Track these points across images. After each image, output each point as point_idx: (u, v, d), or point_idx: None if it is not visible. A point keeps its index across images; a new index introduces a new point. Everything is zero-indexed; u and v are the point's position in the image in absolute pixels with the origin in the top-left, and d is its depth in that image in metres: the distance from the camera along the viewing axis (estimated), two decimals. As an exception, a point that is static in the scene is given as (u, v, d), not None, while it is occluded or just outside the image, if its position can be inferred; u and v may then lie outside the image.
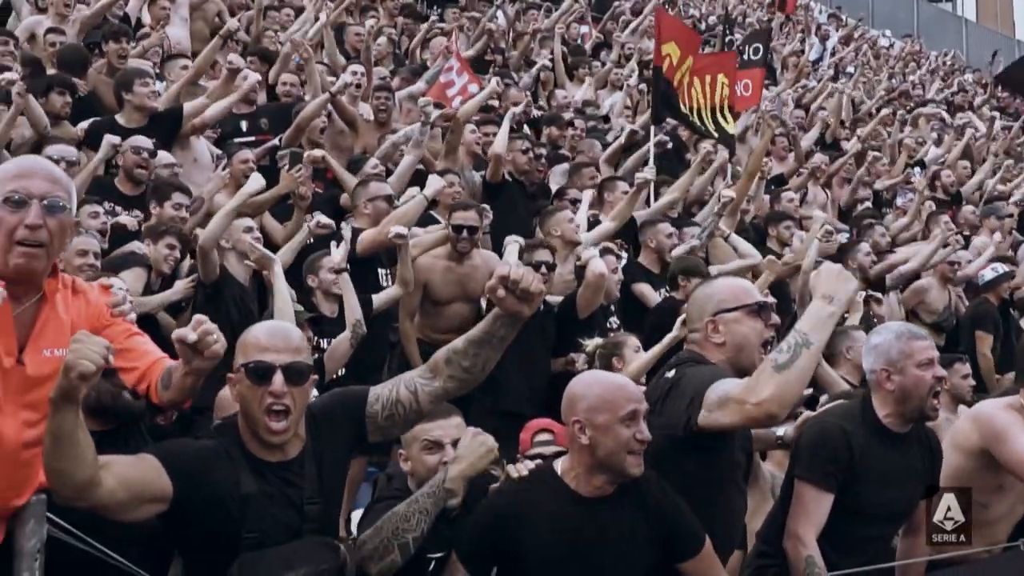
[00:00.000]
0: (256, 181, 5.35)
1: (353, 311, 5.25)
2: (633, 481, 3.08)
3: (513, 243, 6.13)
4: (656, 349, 5.16)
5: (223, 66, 7.46)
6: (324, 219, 5.72)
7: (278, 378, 2.69)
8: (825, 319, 2.93)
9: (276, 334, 2.80)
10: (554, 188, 8.11)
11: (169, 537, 2.79)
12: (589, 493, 3.09)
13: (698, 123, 8.74)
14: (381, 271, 6.25)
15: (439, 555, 3.30)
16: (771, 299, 4.42)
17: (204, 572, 2.73)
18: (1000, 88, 18.86)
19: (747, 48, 10.16)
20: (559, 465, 3.17)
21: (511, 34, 12.69)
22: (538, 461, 3.43)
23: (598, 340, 5.54)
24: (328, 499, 2.84)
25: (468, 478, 3.21)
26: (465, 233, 6.10)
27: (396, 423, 2.90)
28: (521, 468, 3.25)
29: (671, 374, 3.21)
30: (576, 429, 3.06)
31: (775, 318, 3.34)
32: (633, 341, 5.43)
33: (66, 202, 2.66)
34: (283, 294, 5.06)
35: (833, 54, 17.56)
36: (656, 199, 7.90)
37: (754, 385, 2.87)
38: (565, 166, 8.45)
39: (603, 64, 12.05)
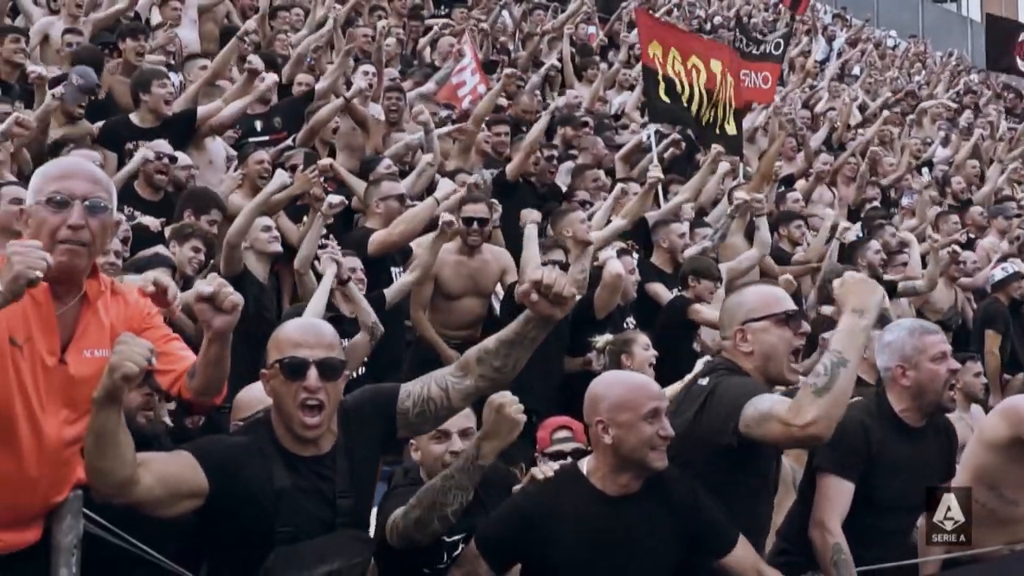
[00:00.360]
0: (280, 178, 5.40)
1: (368, 315, 5.26)
2: (658, 478, 3.12)
3: (531, 224, 6.14)
4: (676, 387, 5.18)
5: (237, 67, 7.51)
6: (334, 198, 5.75)
7: (312, 373, 2.74)
8: (858, 334, 2.94)
9: (309, 330, 2.86)
10: (562, 187, 8.15)
11: (204, 532, 2.82)
12: (615, 492, 3.13)
13: (696, 121, 8.70)
14: (394, 269, 6.28)
15: (454, 539, 3.36)
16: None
17: (239, 566, 2.77)
18: (999, 79, 18.67)
19: (770, 42, 10.16)
20: (584, 465, 3.21)
21: (518, 35, 12.72)
22: (562, 462, 3.47)
23: (608, 336, 5.59)
24: (359, 493, 2.89)
25: (500, 451, 3.23)
26: (475, 225, 6.15)
27: (427, 419, 2.97)
28: (546, 469, 3.29)
29: (704, 381, 3.24)
30: (599, 429, 3.11)
31: (805, 326, 3.35)
32: (643, 339, 5.48)
33: (107, 202, 2.71)
34: (322, 298, 5.10)
35: (840, 55, 17.58)
36: (665, 198, 7.94)
37: (798, 409, 2.89)
38: (569, 164, 8.48)
39: (610, 65, 12.07)
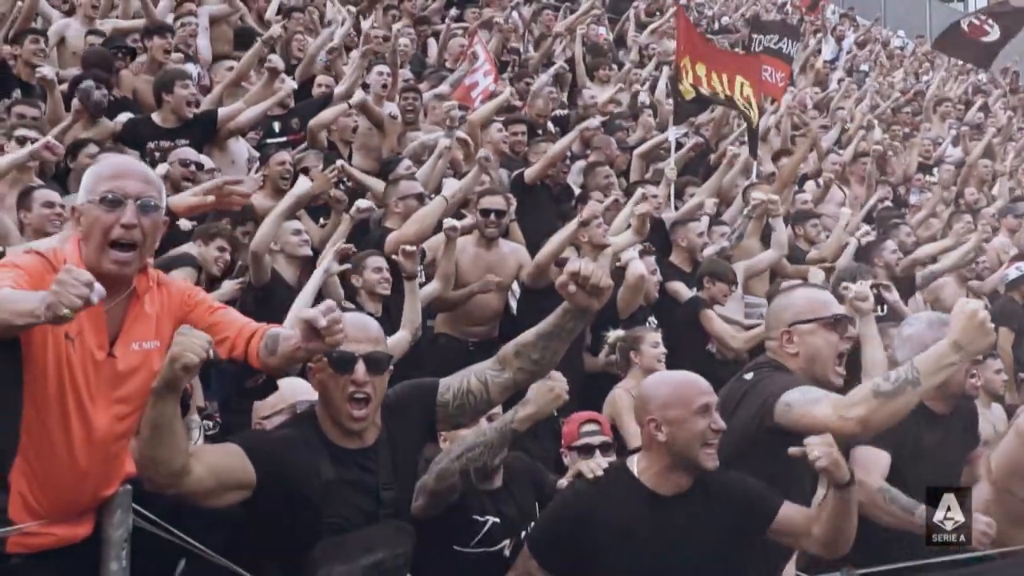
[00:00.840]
0: (303, 183, 5.43)
1: (417, 314, 5.30)
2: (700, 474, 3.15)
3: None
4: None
5: (255, 69, 7.53)
6: (363, 203, 5.77)
7: (360, 367, 2.81)
8: (944, 366, 2.92)
9: (356, 325, 2.91)
10: (573, 186, 8.17)
11: (252, 524, 2.87)
12: (668, 491, 3.15)
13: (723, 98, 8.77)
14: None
15: (485, 519, 3.50)
16: None
17: (286, 557, 2.82)
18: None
19: (787, 42, 10.21)
20: (634, 465, 3.23)
21: (527, 35, 12.74)
22: (611, 459, 3.50)
23: (619, 332, 5.64)
24: (402, 486, 2.95)
25: (535, 421, 3.30)
26: (493, 217, 6.18)
27: (466, 412, 3.03)
28: (594, 466, 3.30)
29: (748, 376, 3.30)
30: (652, 427, 3.14)
31: (852, 331, 3.38)
32: (651, 336, 5.54)
33: (158, 201, 2.76)
34: (312, 290, 5.10)
35: (849, 52, 17.61)
36: (680, 200, 7.97)
37: (851, 400, 2.95)
38: (581, 163, 8.52)
39: (621, 66, 12.10)
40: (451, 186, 6.43)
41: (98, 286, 2.32)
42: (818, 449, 2.87)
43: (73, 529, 2.76)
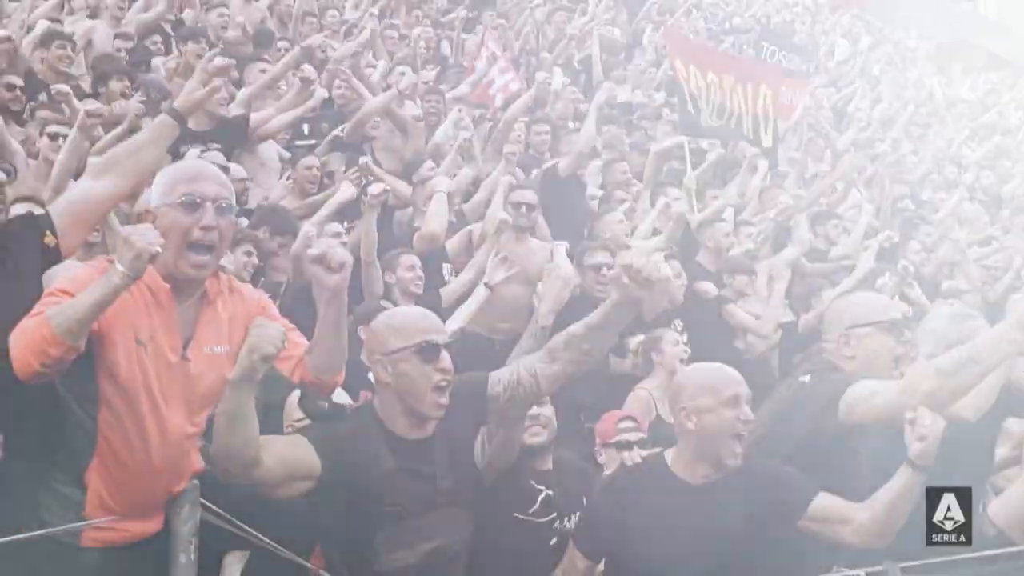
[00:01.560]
0: (348, 190, 5.51)
1: (464, 318, 5.41)
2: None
3: (559, 245, 6.27)
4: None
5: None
6: (375, 187, 5.82)
7: (445, 355, 2.92)
8: (1003, 344, 2.98)
9: (430, 317, 3.05)
10: (589, 186, 8.21)
11: (315, 513, 2.96)
12: (696, 480, 3.19)
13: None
14: (446, 266, 6.37)
15: (540, 487, 3.63)
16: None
17: (348, 545, 2.90)
18: None
19: (809, 64, 10.30)
20: (669, 456, 3.29)
21: (540, 36, 12.79)
22: (651, 451, 3.57)
23: (639, 337, 5.69)
24: (458, 475, 3.03)
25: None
26: (523, 209, 6.26)
27: (516, 404, 3.11)
28: (635, 456, 3.38)
29: (806, 379, 3.36)
30: (683, 416, 3.19)
31: (907, 334, 3.45)
32: (670, 336, 5.58)
33: (231, 202, 2.83)
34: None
35: (862, 54, 17.60)
36: (701, 203, 8.01)
37: (913, 379, 3.00)
38: (598, 162, 8.56)
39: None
40: (442, 182, 6.50)
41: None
42: (929, 421, 2.85)
43: (144, 524, 2.83)
